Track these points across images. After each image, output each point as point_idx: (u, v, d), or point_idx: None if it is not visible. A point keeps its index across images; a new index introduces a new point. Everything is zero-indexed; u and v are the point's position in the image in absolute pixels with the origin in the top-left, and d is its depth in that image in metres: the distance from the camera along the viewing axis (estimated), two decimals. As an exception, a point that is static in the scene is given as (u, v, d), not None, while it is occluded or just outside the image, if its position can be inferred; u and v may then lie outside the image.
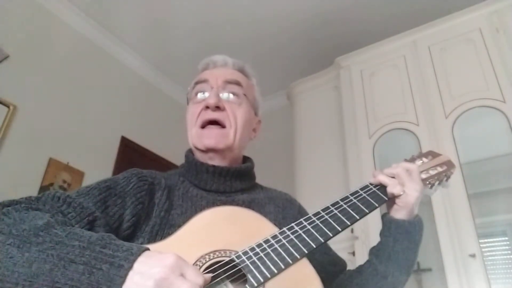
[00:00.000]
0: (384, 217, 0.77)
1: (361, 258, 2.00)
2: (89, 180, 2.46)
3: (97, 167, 2.59)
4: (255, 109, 0.89)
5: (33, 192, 2.20)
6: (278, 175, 2.88)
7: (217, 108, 0.79)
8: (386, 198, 0.73)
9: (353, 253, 2.07)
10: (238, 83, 0.84)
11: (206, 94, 0.82)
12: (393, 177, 0.75)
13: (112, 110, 2.86)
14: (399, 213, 0.74)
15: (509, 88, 1.97)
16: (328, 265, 0.82)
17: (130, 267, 0.47)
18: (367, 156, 2.27)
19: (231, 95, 0.82)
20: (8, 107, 2.20)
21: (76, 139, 2.53)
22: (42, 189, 2.24)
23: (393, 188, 0.73)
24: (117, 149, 2.80)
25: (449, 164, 0.83)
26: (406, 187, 0.73)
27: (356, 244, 2.08)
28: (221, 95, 0.81)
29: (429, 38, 2.35)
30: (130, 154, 2.86)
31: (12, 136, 2.19)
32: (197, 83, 0.86)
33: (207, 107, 0.80)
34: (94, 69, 2.81)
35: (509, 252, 2.07)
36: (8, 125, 2.18)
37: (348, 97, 2.52)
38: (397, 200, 0.73)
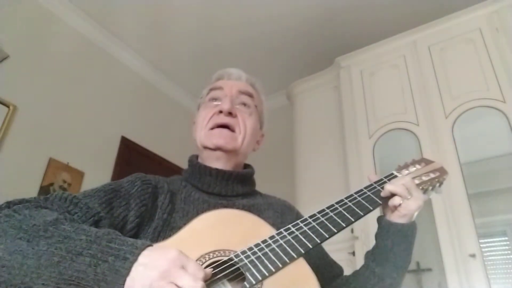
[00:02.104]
0: (381, 220, 0.79)
1: (361, 258, 1.99)
2: (89, 180, 2.46)
3: (97, 167, 2.59)
4: (261, 123, 0.94)
5: (33, 192, 2.20)
6: (278, 175, 2.89)
7: (230, 114, 0.84)
8: (381, 202, 0.75)
9: (353, 253, 2.07)
10: (250, 95, 0.90)
11: (222, 96, 0.87)
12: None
13: (112, 110, 2.86)
14: (400, 219, 0.75)
15: (509, 88, 1.97)
16: (324, 270, 0.84)
17: (135, 260, 0.49)
18: (367, 156, 2.27)
19: (243, 104, 0.88)
20: (8, 107, 2.20)
21: (76, 139, 2.53)
22: (42, 189, 2.24)
23: (397, 200, 0.75)
24: (117, 149, 2.80)
25: (441, 171, 0.85)
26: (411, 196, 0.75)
27: (356, 244, 2.08)
28: (234, 102, 0.86)
29: (429, 38, 2.35)
30: (130, 154, 2.86)
31: (12, 136, 2.19)
32: (212, 89, 0.91)
33: (220, 112, 0.84)
34: (94, 69, 2.81)
35: (509, 252, 2.07)
36: (8, 125, 2.18)
37: (348, 97, 2.52)
38: (399, 208, 0.74)
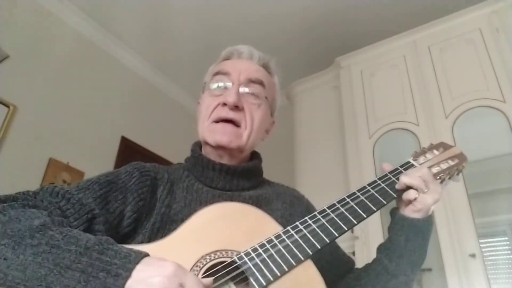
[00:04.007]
0: (394, 213, 0.74)
1: (361, 258, 2.00)
2: (89, 180, 2.45)
3: (97, 167, 2.58)
4: (272, 111, 0.85)
5: (33, 192, 2.19)
6: (278, 175, 2.87)
7: (236, 107, 0.75)
8: (395, 195, 0.70)
9: (353, 253, 2.07)
10: (261, 83, 0.80)
11: (228, 84, 0.78)
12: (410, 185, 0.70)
13: (112, 110, 2.86)
14: (415, 213, 0.70)
15: (509, 88, 1.97)
16: (336, 265, 0.80)
17: (128, 276, 0.46)
18: (367, 156, 2.27)
19: (252, 93, 0.78)
20: (8, 107, 2.20)
21: (76, 139, 2.53)
22: (42, 189, 2.24)
23: (412, 194, 0.69)
24: (117, 149, 2.80)
25: (461, 157, 0.78)
26: (428, 189, 0.69)
27: (356, 244, 2.08)
28: (241, 90, 0.77)
29: (429, 38, 2.35)
30: (130, 154, 2.86)
31: (12, 136, 2.18)
32: (218, 73, 0.81)
33: (225, 104, 0.75)
34: (94, 69, 2.80)
35: (509, 252, 2.07)
36: (8, 125, 2.18)
37: (348, 97, 2.52)
38: (414, 202, 0.69)
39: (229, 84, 0.78)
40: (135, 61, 3.13)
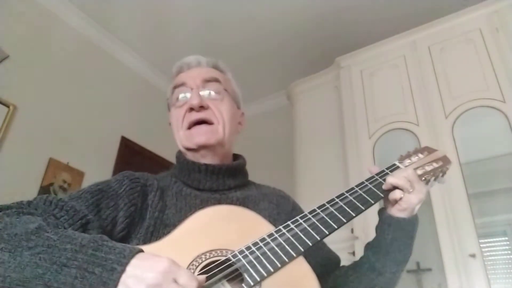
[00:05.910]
0: (381, 213, 0.77)
1: (361, 258, 2.00)
2: (89, 180, 2.46)
3: (97, 167, 2.59)
4: (237, 103, 0.89)
5: (33, 192, 2.20)
6: (278, 175, 2.88)
7: (201, 107, 0.80)
8: (382, 195, 0.72)
9: (353, 253, 2.07)
10: (216, 80, 0.84)
11: (188, 95, 0.82)
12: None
13: (112, 110, 2.86)
14: (400, 212, 0.73)
15: (509, 88, 1.97)
16: (322, 261, 0.82)
17: (123, 270, 0.48)
18: (367, 156, 2.26)
19: (212, 92, 0.82)
20: (8, 107, 2.20)
21: (76, 139, 2.53)
22: (42, 189, 2.24)
23: (397, 194, 0.72)
24: (117, 149, 2.80)
25: (444, 160, 0.82)
26: (413, 189, 0.72)
27: (356, 244, 2.08)
28: (201, 93, 0.81)
29: (429, 38, 2.35)
30: (130, 154, 2.86)
31: (12, 136, 2.19)
32: (175, 87, 0.86)
33: (192, 109, 0.80)
34: (94, 69, 2.81)
35: (509, 252, 2.07)
36: (8, 125, 2.18)
37: (348, 97, 2.52)
38: (400, 202, 0.72)
39: (188, 92, 0.82)
40: (135, 61, 3.14)
